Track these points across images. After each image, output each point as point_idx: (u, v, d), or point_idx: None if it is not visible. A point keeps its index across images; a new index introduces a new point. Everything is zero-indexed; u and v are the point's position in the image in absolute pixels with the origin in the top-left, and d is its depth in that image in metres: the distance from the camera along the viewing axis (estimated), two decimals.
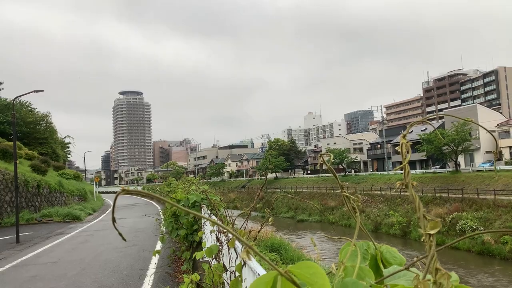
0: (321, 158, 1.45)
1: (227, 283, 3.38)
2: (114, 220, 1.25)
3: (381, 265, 1.12)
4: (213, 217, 5.60)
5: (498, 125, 51.67)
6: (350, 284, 0.87)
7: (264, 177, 78.91)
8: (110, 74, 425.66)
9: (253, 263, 2.56)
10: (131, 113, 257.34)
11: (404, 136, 1.12)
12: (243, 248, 0.95)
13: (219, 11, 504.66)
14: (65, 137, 53.74)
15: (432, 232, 0.86)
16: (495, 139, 1.13)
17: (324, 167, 1.47)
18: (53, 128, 45.44)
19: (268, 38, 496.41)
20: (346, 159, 62.83)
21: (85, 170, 70.76)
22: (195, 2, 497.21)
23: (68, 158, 59.12)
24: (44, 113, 45.27)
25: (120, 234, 1.15)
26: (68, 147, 54.44)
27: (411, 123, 1.16)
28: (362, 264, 1.07)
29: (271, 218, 2.62)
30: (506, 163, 44.16)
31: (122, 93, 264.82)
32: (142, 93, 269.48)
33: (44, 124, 43.93)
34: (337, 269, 1.03)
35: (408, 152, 1.07)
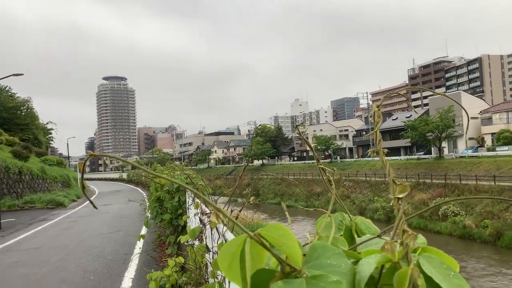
0: (297, 129, 1.37)
1: (210, 263, 3.29)
2: (83, 187, 1.11)
3: (356, 235, 1.14)
4: (197, 200, 5.48)
5: (481, 112, 52.42)
6: (319, 247, 0.86)
7: (251, 164, 78.99)
8: (92, 59, 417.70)
9: (229, 235, 2.52)
10: (115, 99, 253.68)
11: (377, 106, 1.11)
12: (226, 230, 0.85)
13: None
14: (47, 123, 52.71)
15: (400, 196, 0.87)
16: (467, 118, 1.04)
17: (312, 153, 1.37)
18: (34, 113, 44.49)
19: (251, 21, 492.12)
20: (332, 145, 63.23)
21: (68, 157, 69.77)
22: None
23: (51, 145, 58.15)
24: (25, 98, 44.28)
25: (91, 202, 1.03)
26: (51, 133, 53.46)
27: (386, 94, 1.14)
28: (337, 234, 1.09)
29: (252, 198, 2.55)
30: (488, 149, 44.96)
31: (105, 78, 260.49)
32: (126, 79, 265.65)
33: (25, 110, 42.97)
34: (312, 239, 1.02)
35: (379, 119, 1.06)
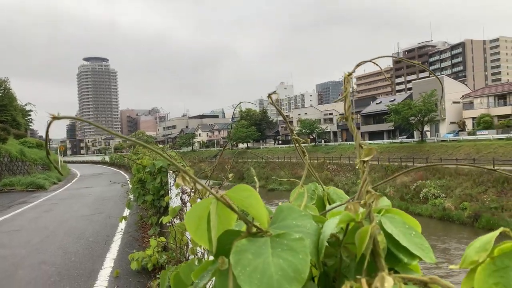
0: (270, 98, 1.37)
1: (190, 240, 3.31)
2: (48, 153, 1.08)
3: (328, 204, 1.16)
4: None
5: (462, 96, 53.21)
6: (285, 208, 0.87)
7: (237, 147, 78.96)
8: (73, 40, 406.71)
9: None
10: (97, 81, 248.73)
11: (349, 74, 1.14)
12: (179, 174, 0.85)
13: None
14: (25, 105, 51.42)
15: (366, 159, 0.88)
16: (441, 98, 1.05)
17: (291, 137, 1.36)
18: (12, 94, 43.29)
19: (235, 3, 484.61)
20: (316, 129, 63.56)
21: (46, 138, 68.29)
22: None
23: (30, 127, 56.90)
24: (2, 78, 43.03)
25: (57, 168, 1.01)
26: (30, 115, 52.26)
27: (359, 62, 1.17)
28: (309, 204, 1.11)
29: (231, 174, 2.56)
30: (469, 134, 45.84)
31: (86, 59, 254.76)
32: (107, 60, 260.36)
33: (2, 91, 41.80)
34: None
35: (349, 85, 1.09)
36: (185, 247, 4.04)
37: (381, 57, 1.22)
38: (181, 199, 3.99)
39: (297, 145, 1.39)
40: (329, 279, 0.91)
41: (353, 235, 0.82)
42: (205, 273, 1.04)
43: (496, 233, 0.56)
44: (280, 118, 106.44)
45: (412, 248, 0.78)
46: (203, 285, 1.00)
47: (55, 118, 0.94)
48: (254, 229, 0.87)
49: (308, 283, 0.97)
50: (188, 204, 3.56)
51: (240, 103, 2.37)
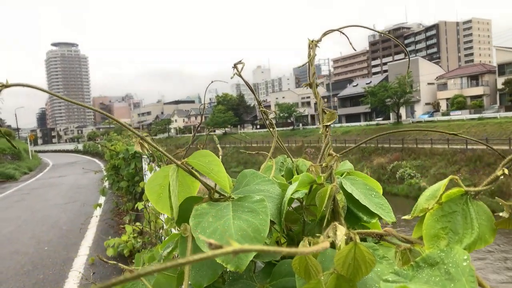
0: (235, 68, 1.35)
1: (164, 222, 3.28)
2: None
3: (296, 175, 1.15)
4: (152, 164, 5.37)
5: (437, 78, 54.24)
6: (248, 173, 0.89)
7: (214, 133, 78.45)
8: (40, 22, 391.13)
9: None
10: (66, 67, 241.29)
11: (314, 42, 1.15)
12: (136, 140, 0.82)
13: None
14: None
15: (328, 123, 0.94)
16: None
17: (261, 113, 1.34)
18: None
19: None
20: (294, 113, 63.80)
21: (16, 128, 66.53)
22: None
23: None
24: None
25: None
26: None
27: (327, 31, 1.19)
28: (277, 174, 1.14)
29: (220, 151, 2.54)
30: (443, 114, 46.92)
31: (54, 44, 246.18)
32: (77, 45, 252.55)
33: None
34: None
35: (314, 54, 1.10)
36: (160, 230, 4.02)
37: (351, 26, 1.21)
38: None
39: (264, 116, 1.38)
40: (294, 243, 0.92)
41: (314, 196, 0.83)
42: (170, 243, 1.03)
43: (445, 181, 0.57)
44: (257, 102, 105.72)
45: (372, 208, 0.78)
46: (167, 253, 0.98)
47: (3, 86, 0.89)
48: (216, 195, 0.86)
49: (273, 245, 0.98)
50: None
51: (212, 82, 2.33)
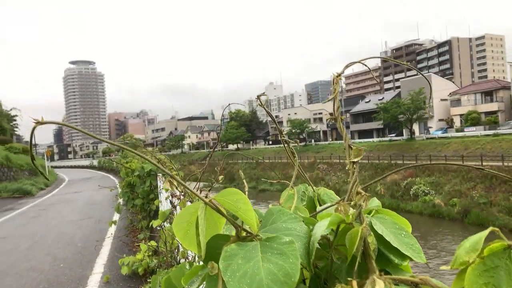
0: (259, 100, 1.36)
1: (180, 244, 3.27)
2: (32, 158, 1.05)
3: (318, 205, 1.15)
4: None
5: (450, 94, 53.80)
6: (275, 211, 0.87)
7: (227, 149, 78.79)
8: (59, 42, 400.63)
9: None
10: (83, 84, 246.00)
11: (338, 75, 1.13)
12: (165, 178, 0.83)
13: None
14: (11, 110, 50.75)
15: (355, 160, 0.90)
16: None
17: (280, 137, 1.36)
18: None
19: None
20: (306, 129, 63.74)
21: (31, 143, 67.29)
22: None
23: (16, 132, 56.15)
24: None
25: (42, 173, 0.98)
26: (15, 120, 51.56)
27: (348, 63, 1.16)
28: (299, 205, 1.11)
29: (221, 177, 2.54)
30: (457, 130, 46.36)
31: (72, 62, 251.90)
32: (94, 63, 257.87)
33: None
34: None
35: (337, 85, 1.08)
36: (176, 250, 4.01)
37: (370, 58, 1.22)
38: (171, 202, 3.96)
39: (286, 146, 1.38)
40: (320, 281, 0.91)
41: (344, 236, 0.82)
42: (195, 278, 1.03)
43: (485, 232, 0.56)
44: (270, 118, 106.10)
45: (403, 249, 0.77)
46: None
47: (38, 123, 0.92)
48: (244, 233, 0.86)
49: (299, 286, 0.96)
50: (178, 207, 3.53)
51: (229, 104, 2.36)
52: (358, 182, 0.92)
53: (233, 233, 0.90)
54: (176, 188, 0.86)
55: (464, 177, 29.56)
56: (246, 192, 0.98)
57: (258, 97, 1.33)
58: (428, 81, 1.27)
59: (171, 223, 3.72)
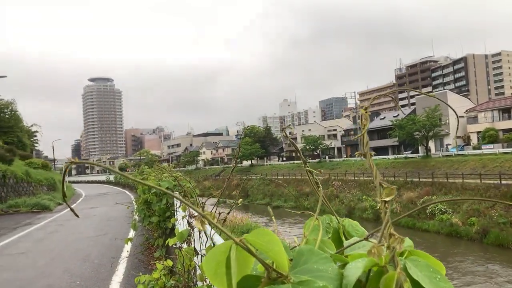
0: (283, 132, 1.38)
1: (198, 266, 3.27)
2: (64, 195, 1.08)
3: (343, 238, 1.14)
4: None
5: (466, 111, 53.15)
6: (305, 251, 0.86)
7: (240, 165, 78.87)
8: (77, 60, 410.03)
9: (217, 238, 2.53)
10: (102, 101, 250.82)
11: (365, 109, 1.11)
12: (214, 233, 0.83)
13: None
14: (31, 126, 51.95)
15: (387, 199, 0.87)
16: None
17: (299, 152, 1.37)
18: (18, 116, 43.75)
19: (230, 18, 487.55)
20: (320, 145, 63.50)
21: (54, 160, 68.87)
22: None
23: (36, 147, 57.30)
24: (9, 100, 43.54)
25: (73, 211, 1.01)
26: (35, 136, 52.71)
27: (375, 96, 1.15)
28: (324, 237, 1.10)
29: (240, 200, 2.55)
30: (474, 148, 45.60)
31: (91, 80, 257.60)
32: (112, 80, 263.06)
33: (9, 112, 42.26)
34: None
35: (366, 121, 1.07)
36: (193, 271, 4.00)
37: (395, 90, 1.23)
38: (189, 222, 3.97)
39: (310, 176, 1.38)
40: None
41: (377, 280, 0.81)
42: None
43: None
44: (283, 135, 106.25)
45: None
46: None
47: (72, 162, 0.95)
48: (275, 274, 0.86)
49: None
50: (195, 228, 3.53)
51: (248, 127, 2.38)
52: (390, 223, 0.91)
53: (258, 267, 0.90)
54: (210, 224, 0.86)
55: (483, 196, 28.93)
56: (276, 230, 0.98)
57: (283, 129, 1.35)
58: (450, 106, 1.27)
59: (188, 244, 3.72)
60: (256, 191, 55.29)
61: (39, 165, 36.49)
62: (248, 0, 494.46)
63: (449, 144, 50.54)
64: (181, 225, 6.13)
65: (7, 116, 41.78)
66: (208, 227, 3.25)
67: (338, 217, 1.30)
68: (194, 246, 3.35)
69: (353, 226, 1.26)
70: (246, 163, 78.97)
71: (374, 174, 1.03)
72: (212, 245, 2.16)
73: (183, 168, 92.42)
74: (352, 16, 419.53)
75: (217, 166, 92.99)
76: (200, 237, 3.23)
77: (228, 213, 2.64)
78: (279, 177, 59.80)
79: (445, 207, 29.32)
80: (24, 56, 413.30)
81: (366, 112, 1.13)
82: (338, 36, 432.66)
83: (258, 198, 52.82)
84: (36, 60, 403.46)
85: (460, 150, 45.31)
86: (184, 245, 4.22)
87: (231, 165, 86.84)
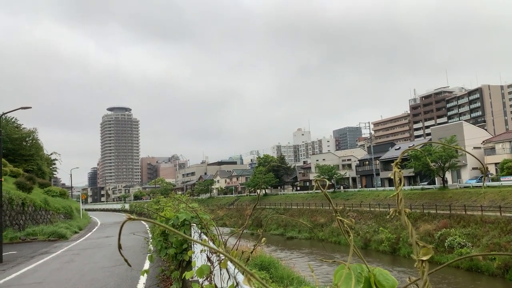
0: (317, 183, 1.47)
1: None
2: (120, 247, 1.22)
3: (374, 287, 1.13)
4: (204, 236, 5.53)
5: (483, 142, 52.48)
6: None
7: (255, 194, 78.56)
8: (94, 90, 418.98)
9: (241, 277, 2.57)
10: (119, 130, 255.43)
11: (396, 164, 1.15)
12: (238, 271, 0.96)
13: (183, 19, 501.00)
14: (51, 154, 53.08)
15: (424, 258, 0.89)
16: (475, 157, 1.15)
17: (314, 183, 1.48)
18: (39, 144, 44.84)
19: (238, 44, 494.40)
20: (335, 175, 63.03)
21: (71, 187, 69.76)
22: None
23: (54, 175, 58.26)
24: (31, 129, 44.75)
25: (126, 261, 1.13)
26: (54, 164, 53.74)
27: (402, 150, 1.20)
28: (357, 287, 1.09)
29: (264, 239, 2.60)
30: (493, 180, 44.71)
31: (110, 109, 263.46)
32: (130, 109, 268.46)
33: (30, 141, 43.34)
34: None
35: (400, 181, 1.10)
36: None
37: (416, 146, 1.34)
38: (208, 258, 4.04)
39: (340, 223, 1.43)
40: None
41: None
42: None
43: None
44: (298, 164, 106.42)
45: None
46: None
47: (130, 219, 1.10)
48: None
49: None
50: (216, 264, 3.61)
51: (262, 158, 2.50)
52: (428, 283, 0.94)
53: None
54: (254, 284, 0.98)
55: (503, 229, 28.13)
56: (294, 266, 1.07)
57: (317, 181, 1.46)
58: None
59: (209, 281, 3.79)
60: (270, 221, 54.77)
61: (57, 193, 37.04)
62: (257, 30, 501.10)
63: (476, 177, 49.61)
64: (198, 258, 6.18)
65: (28, 144, 42.84)
66: (230, 265, 3.34)
67: (369, 266, 1.34)
68: (215, 283, 3.42)
69: (383, 275, 1.26)
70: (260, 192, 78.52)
71: (409, 232, 1.08)
72: (235, 284, 2.24)
73: (197, 197, 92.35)
74: (360, 42, 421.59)
75: (231, 195, 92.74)
76: (221, 274, 3.30)
77: (252, 252, 2.72)
78: (293, 206, 59.26)
79: (464, 240, 28.58)
80: (48, 86, 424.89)
81: (400, 171, 1.17)
82: (348, 62, 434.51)
83: (272, 228, 52.21)
84: (58, 90, 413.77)
85: (477, 182, 44.46)
86: (201, 280, 4.28)
87: (244, 194, 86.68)
